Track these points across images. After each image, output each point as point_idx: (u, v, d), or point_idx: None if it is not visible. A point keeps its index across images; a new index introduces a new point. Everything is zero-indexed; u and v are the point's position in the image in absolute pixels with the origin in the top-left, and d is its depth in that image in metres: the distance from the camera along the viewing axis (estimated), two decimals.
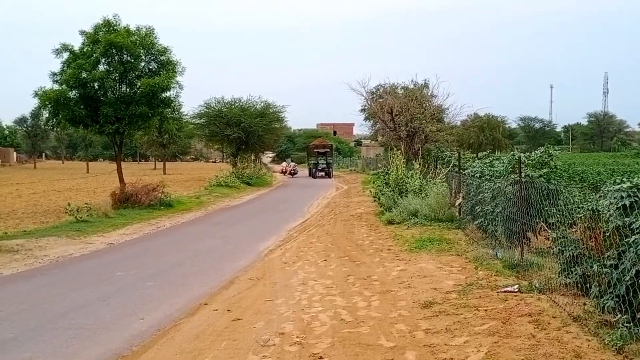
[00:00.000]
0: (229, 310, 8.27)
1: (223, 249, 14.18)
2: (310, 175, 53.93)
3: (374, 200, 21.73)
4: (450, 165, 19.70)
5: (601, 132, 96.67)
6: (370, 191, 23.23)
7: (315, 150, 55.59)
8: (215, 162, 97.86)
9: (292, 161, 68.15)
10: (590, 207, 7.22)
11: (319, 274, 10.56)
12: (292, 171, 58.05)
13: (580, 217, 7.41)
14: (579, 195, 8.56)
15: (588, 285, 6.75)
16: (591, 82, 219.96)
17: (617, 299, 5.95)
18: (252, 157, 52.60)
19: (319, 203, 26.65)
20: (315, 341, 6.59)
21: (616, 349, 5.55)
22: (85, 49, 22.08)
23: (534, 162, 12.53)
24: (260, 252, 13.52)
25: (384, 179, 21.23)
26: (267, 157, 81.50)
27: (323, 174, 53.19)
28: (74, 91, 21.80)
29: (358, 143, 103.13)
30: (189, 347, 6.70)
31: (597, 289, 6.40)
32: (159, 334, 7.38)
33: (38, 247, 13.82)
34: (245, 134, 42.71)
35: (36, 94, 21.47)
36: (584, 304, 6.78)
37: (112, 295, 9.47)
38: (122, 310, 8.52)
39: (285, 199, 30.81)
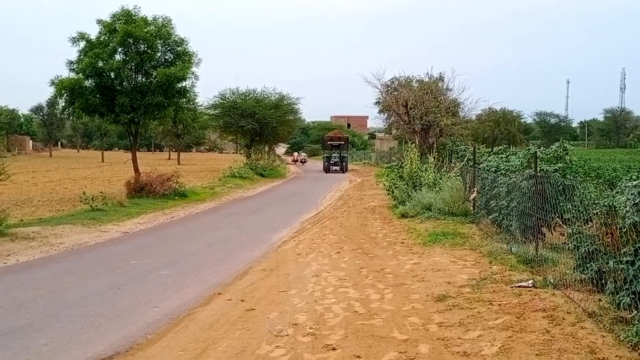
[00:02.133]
0: (242, 300, 8.31)
1: (237, 240, 14.24)
2: (324, 169, 49.59)
3: (388, 194, 21.70)
4: (465, 159, 19.62)
5: (617, 128, 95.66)
6: (384, 184, 23.20)
7: (329, 142, 51.91)
8: (229, 153, 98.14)
9: (303, 152, 75.16)
10: (606, 203, 7.16)
11: (332, 266, 10.58)
12: (303, 160, 66.44)
13: (596, 213, 7.34)
14: (595, 191, 8.49)
15: (603, 281, 6.71)
16: (608, 78, 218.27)
17: (633, 296, 5.91)
18: (266, 149, 52.59)
19: (332, 195, 26.64)
20: (328, 332, 6.61)
21: (631, 345, 5.51)
22: (102, 38, 22.18)
23: (549, 156, 12.43)
24: (273, 244, 13.56)
25: (398, 173, 21.21)
26: (281, 148, 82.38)
27: (337, 168, 48.63)
28: (90, 80, 21.91)
29: (372, 136, 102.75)
30: (203, 336, 6.75)
31: (613, 285, 6.36)
32: (173, 322, 7.43)
33: (53, 234, 13.96)
34: (260, 125, 42.72)
35: (52, 83, 21.62)
36: (599, 300, 6.74)
37: (126, 283, 9.55)
38: (137, 298, 8.59)
39: (299, 191, 30.84)
